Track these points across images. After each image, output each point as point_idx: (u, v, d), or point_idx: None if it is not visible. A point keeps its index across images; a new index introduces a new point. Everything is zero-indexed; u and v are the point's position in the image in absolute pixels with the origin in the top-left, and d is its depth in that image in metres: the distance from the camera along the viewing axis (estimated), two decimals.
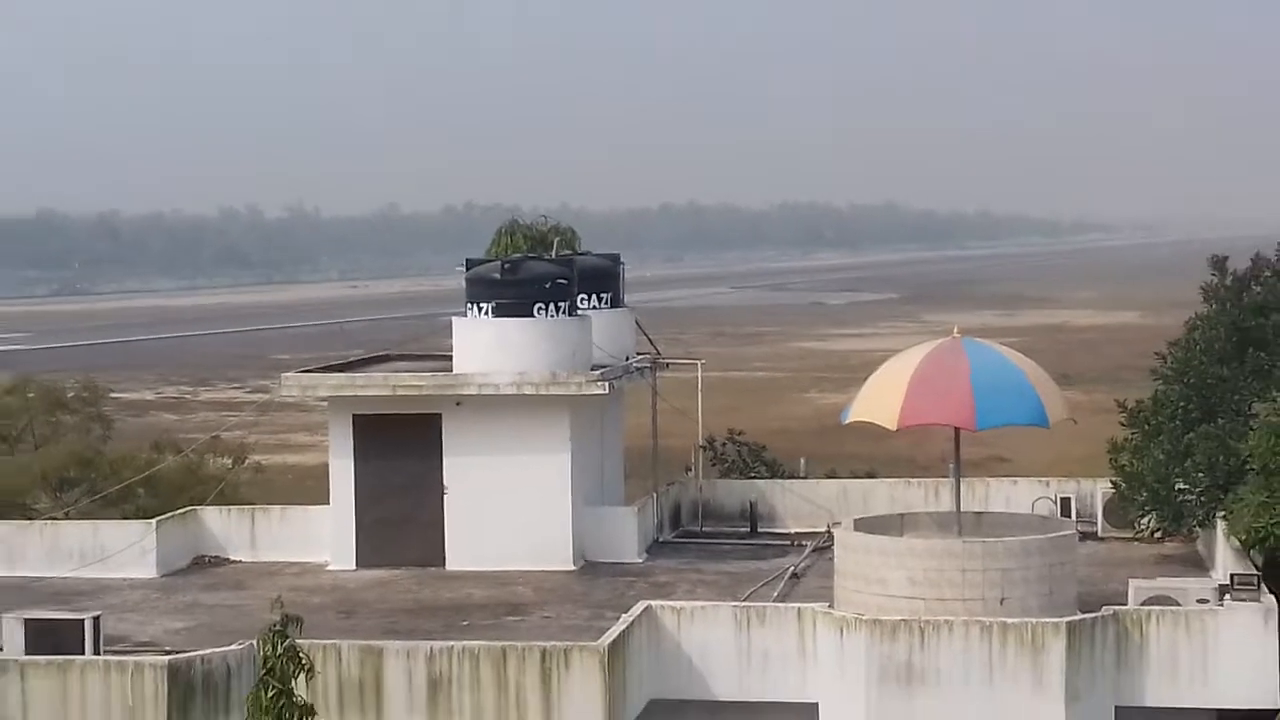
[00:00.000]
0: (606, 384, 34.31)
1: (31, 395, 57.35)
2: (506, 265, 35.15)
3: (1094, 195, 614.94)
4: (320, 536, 35.50)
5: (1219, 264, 36.14)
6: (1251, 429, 30.94)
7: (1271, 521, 29.11)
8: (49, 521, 37.63)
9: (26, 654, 24.18)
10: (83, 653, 24.36)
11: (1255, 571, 28.40)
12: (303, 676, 19.16)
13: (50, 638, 24.48)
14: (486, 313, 34.89)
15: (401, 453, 34.83)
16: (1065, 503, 37.03)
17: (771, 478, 43.11)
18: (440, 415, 34.70)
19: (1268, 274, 35.95)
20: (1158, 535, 35.12)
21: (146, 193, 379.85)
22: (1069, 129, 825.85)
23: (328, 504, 35.44)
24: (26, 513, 44.03)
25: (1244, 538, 29.59)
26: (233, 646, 24.22)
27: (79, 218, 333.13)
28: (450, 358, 35.53)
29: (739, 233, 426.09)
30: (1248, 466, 30.46)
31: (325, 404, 35.87)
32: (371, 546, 34.81)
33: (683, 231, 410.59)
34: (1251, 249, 37.37)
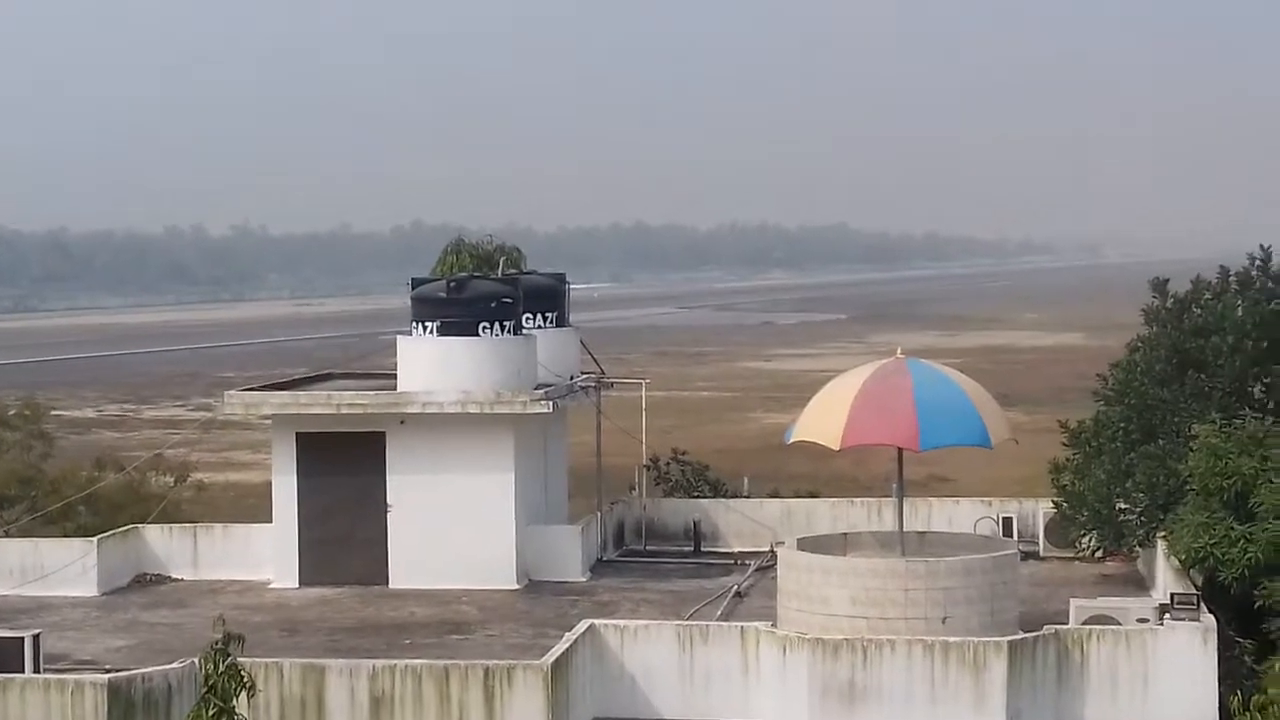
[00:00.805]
0: (551, 403, 34.32)
1: None
2: (452, 284, 35.16)
3: (1039, 217, 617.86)
4: (263, 555, 35.41)
5: (1160, 286, 36.21)
6: (1191, 450, 31.07)
7: (1210, 541, 29.22)
8: None
9: None
10: (22, 671, 24.20)
11: (1195, 591, 28.55)
12: (244, 695, 19.05)
13: None
14: (431, 331, 34.88)
15: (345, 471, 34.77)
16: (1007, 522, 37.15)
17: (715, 497, 43.12)
18: (384, 433, 34.66)
19: (1207, 296, 35.97)
20: (1099, 555, 35.31)
21: (95, 211, 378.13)
22: (1012, 150, 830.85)
23: (270, 522, 35.36)
24: None
25: (1184, 557, 29.70)
26: (174, 665, 24.07)
27: (29, 234, 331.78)
28: (394, 376, 35.51)
29: (687, 253, 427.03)
30: (1187, 487, 30.60)
31: (269, 422, 35.82)
32: (314, 565, 34.72)
33: (630, 251, 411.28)
34: (1192, 271, 37.51)
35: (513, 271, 38.40)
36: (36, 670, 24.50)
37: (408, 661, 26.05)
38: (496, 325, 34.82)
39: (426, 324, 34.95)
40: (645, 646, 27.80)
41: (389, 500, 34.68)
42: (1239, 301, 35.55)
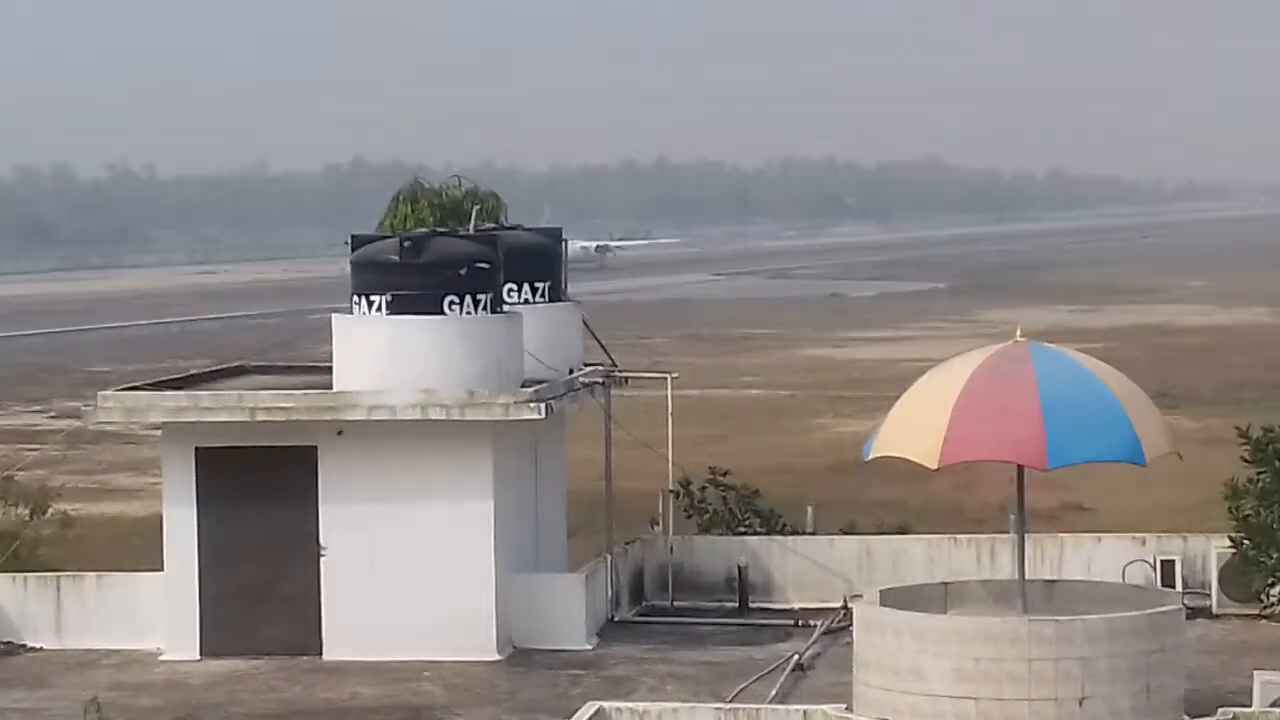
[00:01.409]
0: (543, 406, 34.34)
1: None
2: (406, 244, 35.16)
3: (1205, 152, 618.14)
4: (151, 614, 35.46)
5: None
6: None
7: None
8: None
9: None
10: None
11: None
12: None
13: None
14: (379, 308, 34.90)
15: (263, 500, 34.83)
16: (1168, 567, 37.16)
17: (768, 534, 43.13)
18: (315, 449, 34.74)
19: None
20: None
21: None
22: (1170, 68, 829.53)
23: (161, 570, 35.42)
24: None
25: None
26: None
27: None
28: (330, 370, 35.56)
29: (726, 201, 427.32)
30: None
31: (158, 433, 35.86)
32: (221, 628, 34.81)
33: (651, 198, 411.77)
34: None
35: (490, 226, 38.37)
36: None
37: None
38: (468, 299, 34.85)
39: (372, 299, 34.97)
40: None
41: (322, 541, 34.74)
42: None
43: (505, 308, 36.00)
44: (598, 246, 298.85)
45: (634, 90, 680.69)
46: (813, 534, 41.45)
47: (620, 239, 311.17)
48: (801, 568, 38.94)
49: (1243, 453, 35.90)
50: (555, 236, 39.52)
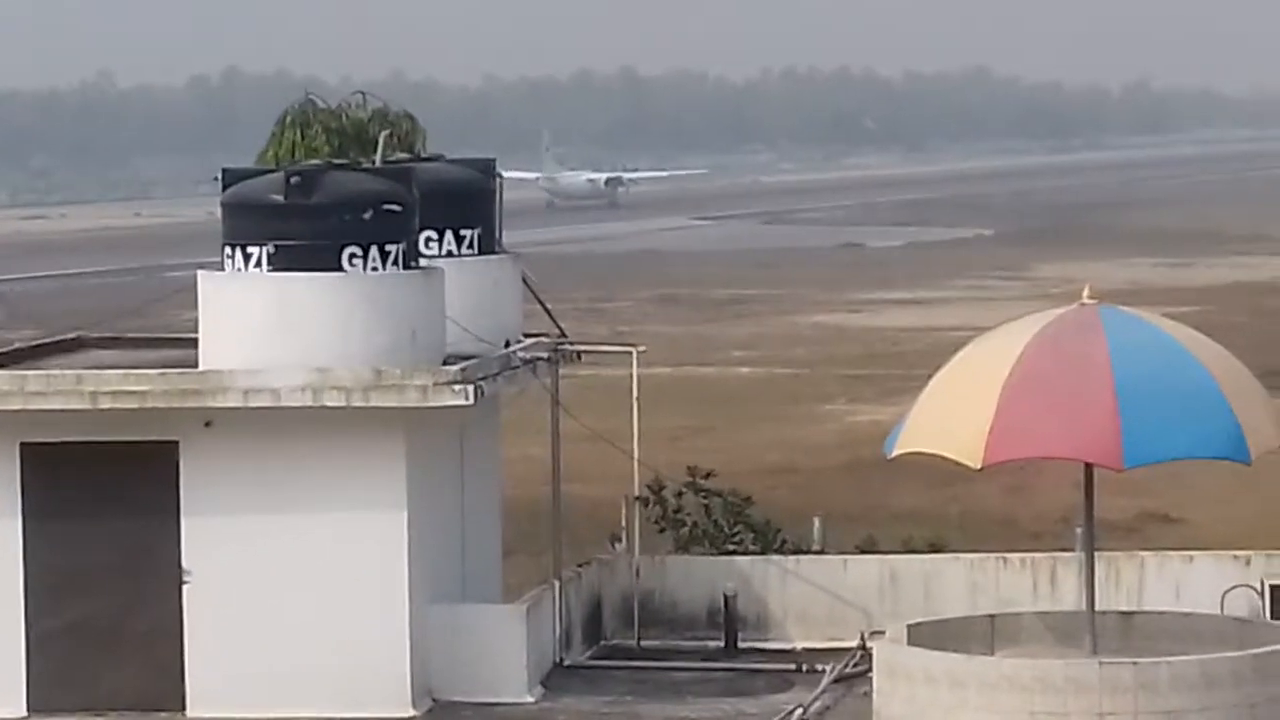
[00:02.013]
0: (471, 389, 34.39)
1: None
2: (295, 179, 35.16)
3: None
4: None
5: None
6: None
7: None
8: None
9: None
10: None
11: None
12: None
13: None
14: (259, 263, 34.91)
15: (109, 511, 34.84)
16: (1277, 593, 37.30)
17: (763, 553, 43.33)
18: (176, 444, 34.74)
19: None
20: None
21: None
22: None
23: None
24: None
25: None
26: None
27: None
28: (194, 344, 35.56)
29: (711, 124, 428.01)
30: None
31: None
32: (54, 676, 34.83)
33: (612, 119, 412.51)
34: None
35: (404, 157, 38.42)
36: None
37: None
38: (374, 252, 34.87)
39: (249, 250, 34.97)
40: None
41: (185, 564, 34.75)
42: None
43: (422, 262, 36.05)
44: (608, 179, 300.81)
45: None
46: (821, 552, 41.62)
47: (634, 169, 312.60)
48: (806, 596, 39.10)
49: None
50: (487, 170, 39.54)
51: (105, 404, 34.61)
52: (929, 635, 30.06)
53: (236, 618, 34.69)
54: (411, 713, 34.51)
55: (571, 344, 39.56)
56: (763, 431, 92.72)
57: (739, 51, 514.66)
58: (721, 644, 38.51)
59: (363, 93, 41.78)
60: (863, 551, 43.10)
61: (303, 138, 39.86)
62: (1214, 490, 49.27)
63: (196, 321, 35.58)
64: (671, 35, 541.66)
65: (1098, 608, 30.51)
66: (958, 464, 29.30)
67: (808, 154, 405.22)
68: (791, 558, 41.16)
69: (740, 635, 38.68)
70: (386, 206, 35.15)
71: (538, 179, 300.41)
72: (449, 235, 37.83)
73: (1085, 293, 30.10)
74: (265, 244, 34.89)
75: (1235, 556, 39.03)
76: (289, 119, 40.74)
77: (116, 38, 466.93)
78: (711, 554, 43.27)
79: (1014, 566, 39.13)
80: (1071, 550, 34.81)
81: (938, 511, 59.50)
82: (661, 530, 44.35)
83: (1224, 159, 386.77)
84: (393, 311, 34.90)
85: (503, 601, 37.42)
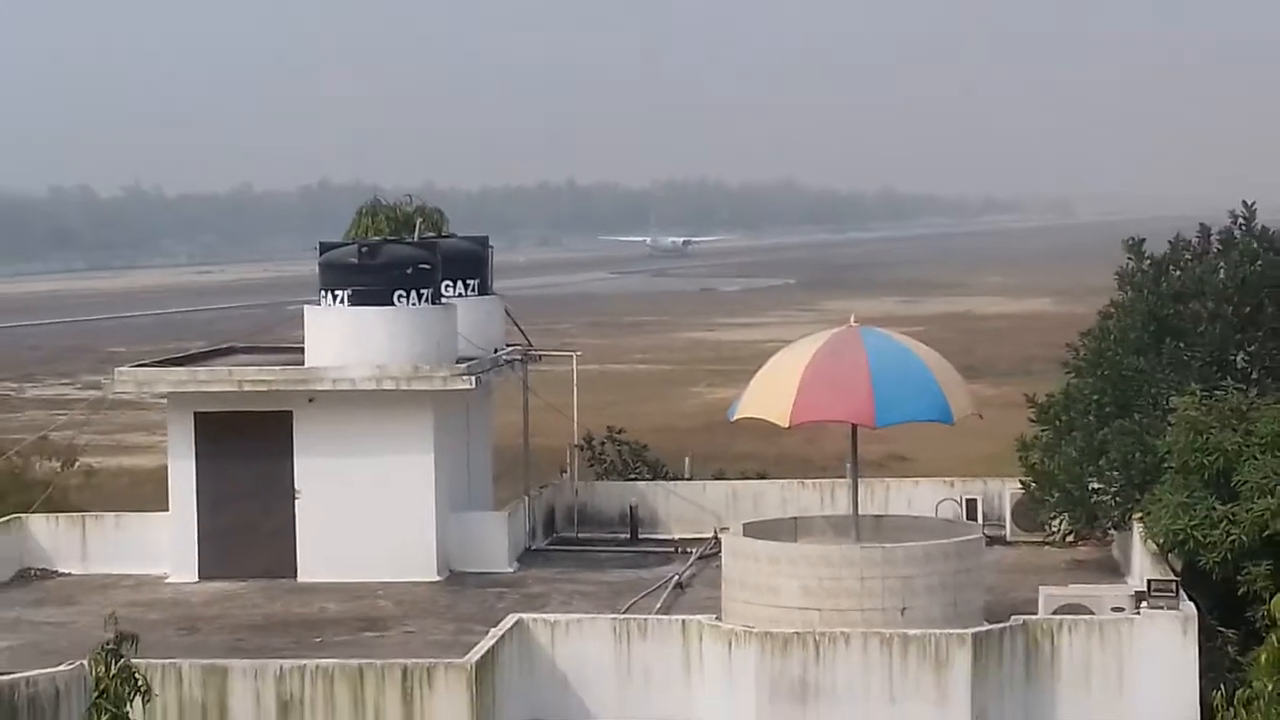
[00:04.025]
0: (473, 378, 34.28)
1: None
2: (364, 249, 35.04)
3: (1003, 173, 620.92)
4: (159, 546, 35.24)
5: (1135, 247, 35.94)
6: (1169, 425, 31.25)
7: (1190, 523, 29.34)
8: None
9: None
10: None
11: (1174, 577, 28.70)
12: (139, 699, 18.97)
13: None
14: (342, 301, 34.76)
15: (248, 454, 34.64)
16: (971, 505, 37.31)
17: (654, 479, 43.12)
18: (291, 413, 34.53)
19: (1187, 258, 35.90)
20: (1070, 539, 35.50)
21: None
22: (976, 104, 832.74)
23: (166, 510, 35.19)
24: None
25: (1161, 541, 29.87)
26: (61, 667, 23.94)
27: None
28: (302, 350, 35.37)
29: (621, 214, 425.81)
30: (1165, 465, 30.72)
31: (164, 401, 35.61)
32: (215, 556, 34.60)
33: (561, 212, 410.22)
34: (1170, 231, 37.28)
35: (431, 235, 38.27)
36: None
37: (318, 661, 26.02)
38: (413, 293, 34.71)
39: (336, 293, 34.81)
40: (578, 642, 27.85)
41: (297, 486, 34.56)
42: (1220, 263, 35.61)
43: (443, 300, 35.91)
44: (685, 241, 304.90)
45: (547, 123, 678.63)
46: (690, 479, 41.44)
47: (693, 237, 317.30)
48: (680, 506, 38.92)
49: (1030, 414, 36.06)
50: (483, 243, 39.43)
51: (247, 387, 34.46)
52: (756, 530, 29.97)
53: (328, 519, 34.53)
54: (436, 578, 34.35)
55: (535, 350, 39.43)
56: (654, 405, 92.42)
57: (642, 168, 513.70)
58: (628, 536, 38.38)
59: (409, 195, 41.58)
60: (715, 479, 42.93)
61: (372, 223, 39.63)
62: (932, 440, 49.19)
63: (303, 336, 35.45)
64: (599, 157, 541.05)
65: (860, 513, 30.44)
66: (773, 424, 29.26)
67: (683, 233, 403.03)
68: (671, 483, 40.99)
69: (639, 531, 38.52)
70: (421, 266, 35.03)
71: (645, 240, 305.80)
72: (459, 284, 37.71)
73: (852, 319, 30.04)
74: (346, 289, 34.76)
75: (944, 482, 38.96)
76: (362, 212, 40.52)
77: (254, 160, 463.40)
78: (621, 481, 43.09)
79: (809, 488, 39.03)
80: (844, 478, 34.74)
81: (761, 454, 59.21)
82: (590, 466, 44.07)
83: (937, 237, 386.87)
84: (424, 330, 34.78)
85: (493, 510, 37.25)
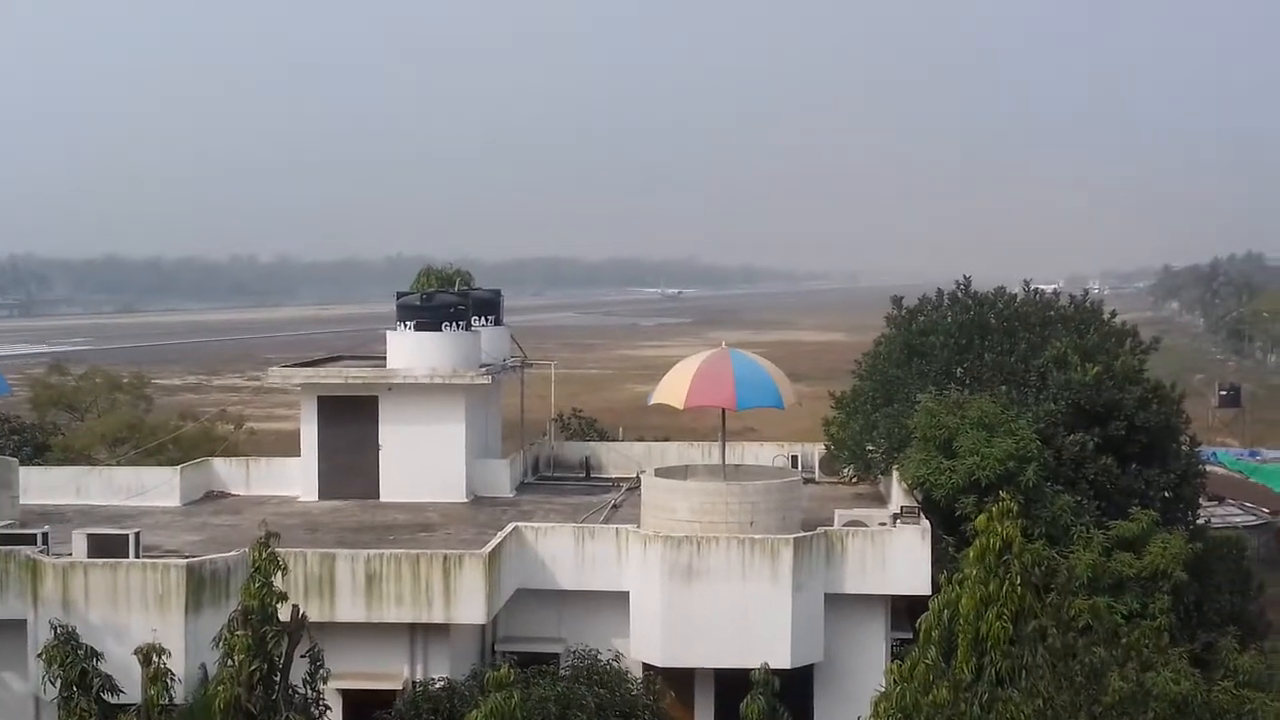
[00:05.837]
0: (490, 377, 34.10)
1: (98, 380, 56.93)
2: (424, 296, 34.82)
3: (819, 252, 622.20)
4: (294, 478, 34.87)
5: (897, 301, 36.90)
6: (915, 411, 31.42)
7: (928, 472, 29.57)
8: (107, 467, 36.70)
9: (89, 557, 23.58)
10: (128, 556, 23.78)
11: (916, 505, 28.83)
12: (280, 573, 18.85)
13: (105, 546, 23.89)
14: (409, 328, 34.51)
15: (350, 421, 34.29)
16: (794, 459, 37.35)
17: (601, 440, 43.06)
18: (377, 397, 34.24)
19: (929, 308, 36.63)
20: (854, 481, 35.57)
21: (185, 240, 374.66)
22: (788, 196, 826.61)
23: (299, 456, 34.85)
24: (92, 461, 42.98)
25: (910, 483, 30.01)
26: (232, 553, 23.73)
27: (132, 260, 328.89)
28: (384, 359, 35.12)
29: (581, 276, 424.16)
30: (913, 436, 30.93)
31: (299, 389, 35.31)
32: (328, 485, 34.24)
33: (546, 275, 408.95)
34: (919, 291, 38.07)
35: (465, 288, 38.08)
36: (137, 556, 24.05)
37: (392, 551, 25.83)
38: (454, 324, 34.52)
39: (407, 323, 34.56)
40: (552, 541, 27.75)
41: (380, 442, 34.31)
42: (949, 313, 36.03)
43: (472, 329, 35.70)
44: (678, 292, 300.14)
45: (538, 211, 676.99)
46: (622, 441, 41.35)
47: (681, 289, 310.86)
48: (617, 458, 38.76)
49: (831, 404, 36.16)
50: (497, 294, 39.18)
51: (351, 380, 34.13)
52: (663, 473, 29.88)
53: (399, 462, 34.15)
54: (465, 500, 34.06)
55: (528, 360, 39.30)
56: (601, 395, 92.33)
57: (597, 247, 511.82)
58: (584, 476, 38.18)
59: (450, 263, 41.36)
60: (638, 440, 42.91)
61: (428, 280, 39.33)
62: (771, 419, 49.24)
63: (385, 350, 35.16)
64: (572, 237, 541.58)
65: (726, 463, 30.41)
66: (674, 407, 29.21)
67: (620, 288, 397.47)
68: (611, 443, 40.94)
69: (591, 473, 38.30)
70: (458, 307, 34.82)
71: (658, 292, 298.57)
72: (482, 318, 37.50)
73: (724, 343, 30.04)
74: (412, 321, 34.50)
75: (778, 445, 38.97)
76: (422, 273, 40.22)
77: (359, 234, 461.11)
78: (580, 441, 42.97)
79: (696, 448, 38.88)
80: (716, 441, 34.71)
81: (667, 426, 59.18)
82: (561, 431, 44.02)
83: (778, 295, 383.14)
84: (460, 347, 34.54)
85: (502, 458, 37.08)
